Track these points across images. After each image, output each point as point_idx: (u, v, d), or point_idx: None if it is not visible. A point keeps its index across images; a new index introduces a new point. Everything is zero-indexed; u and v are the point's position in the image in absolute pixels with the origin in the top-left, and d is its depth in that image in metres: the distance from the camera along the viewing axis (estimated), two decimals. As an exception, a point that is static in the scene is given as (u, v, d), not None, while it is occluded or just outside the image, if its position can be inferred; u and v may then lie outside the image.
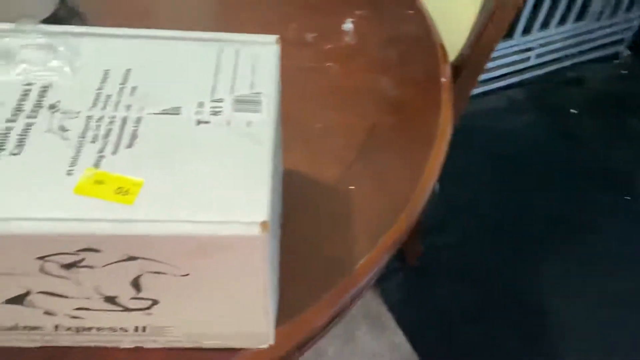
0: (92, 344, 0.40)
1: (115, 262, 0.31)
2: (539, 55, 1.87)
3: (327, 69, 0.63)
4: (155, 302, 0.35)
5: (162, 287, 0.33)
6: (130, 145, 0.33)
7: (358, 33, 0.68)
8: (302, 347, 0.44)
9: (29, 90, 0.36)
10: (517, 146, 1.64)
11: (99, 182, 0.31)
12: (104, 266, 0.31)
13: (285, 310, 0.42)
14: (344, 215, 0.50)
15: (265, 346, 0.41)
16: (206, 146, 0.34)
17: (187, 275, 0.32)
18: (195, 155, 0.33)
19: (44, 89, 0.36)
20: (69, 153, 0.32)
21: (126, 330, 0.38)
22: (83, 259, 0.31)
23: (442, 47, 0.68)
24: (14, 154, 0.32)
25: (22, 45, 0.38)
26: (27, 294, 0.33)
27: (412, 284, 1.27)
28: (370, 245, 0.48)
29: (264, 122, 0.35)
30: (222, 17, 0.73)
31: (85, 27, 0.40)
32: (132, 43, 0.40)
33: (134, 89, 0.36)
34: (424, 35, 0.69)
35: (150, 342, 0.39)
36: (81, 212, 0.30)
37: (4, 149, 0.32)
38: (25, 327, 0.37)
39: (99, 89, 0.36)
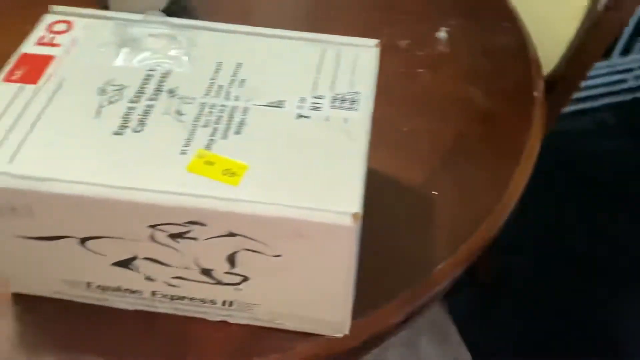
0: (182, 314, 0.43)
1: (217, 236, 0.34)
2: (637, 77, 1.78)
3: (417, 75, 0.64)
4: (245, 279, 0.37)
5: (254, 265, 0.36)
6: (238, 132, 0.36)
7: (452, 42, 0.69)
8: (373, 342, 0.46)
9: (151, 75, 0.40)
10: (606, 172, 1.56)
11: (209, 162, 0.34)
12: (205, 239, 0.34)
13: (361, 305, 0.43)
14: (424, 219, 0.51)
15: (339, 335, 0.42)
16: (305, 139, 0.36)
17: (278, 256, 0.34)
18: (295, 146, 0.35)
19: (164, 75, 0.39)
20: (183, 135, 0.36)
21: (215, 303, 0.41)
22: (189, 231, 0.34)
23: (537, 61, 0.67)
24: (136, 132, 0.36)
25: (148, 34, 0.42)
26: (134, 258, 0.37)
27: (481, 302, 1.25)
28: (449, 252, 0.49)
29: (360, 120, 0.37)
30: (317, 19, 0.76)
31: (203, 21, 0.44)
32: (243, 39, 0.43)
33: (243, 81, 0.39)
34: (519, 48, 0.69)
35: (234, 317, 0.42)
36: (192, 188, 0.33)
37: (127, 127, 0.36)
38: (126, 290, 0.41)
39: (213, 79, 0.39)
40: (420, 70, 0.65)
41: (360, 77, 0.40)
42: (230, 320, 0.43)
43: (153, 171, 0.34)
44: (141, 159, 0.34)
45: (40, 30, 0.42)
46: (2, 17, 0.70)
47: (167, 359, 0.42)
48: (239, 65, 0.40)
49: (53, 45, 0.41)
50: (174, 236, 0.34)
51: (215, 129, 0.36)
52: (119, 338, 0.43)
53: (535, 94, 0.63)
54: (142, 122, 0.36)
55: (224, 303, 0.40)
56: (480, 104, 0.62)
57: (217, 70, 0.40)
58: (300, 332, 0.43)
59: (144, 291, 0.41)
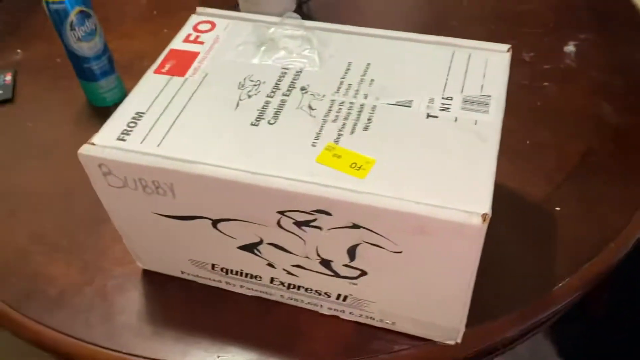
0: (295, 304, 0.44)
1: (341, 227, 0.35)
2: None
3: (542, 88, 0.62)
4: (363, 273, 0.38)
5: (374, 260, 0.36)
6: (366, 129, 0.37)
7: (580, 56, 0.66)
8: (483, 354, 0.44)
9: (286, 73, 0.42)
10: None
11: (337, 155, 0.35)
12: (329, 229, 0.35)
13: (475, 314, 0.42)
14: (546, 234, 0.49)
15: (451, 342, 0.42)
16: (434, 138, 0.36)
17: (399, 252, 0.35)
18: (424, 144, 0.35)
19: (298, 73, 0.41)
20: (314, 128, 0.37)
21: (329, 296, 0.41)
22: (315, 219, 0.35)
23: (677, 78, 0.62)
24: (270, 123, 0.38)
25: (284, 35, 0.44)
26: (260, 242, 0.39)
27: (591, 336, 1.16)
28: (570, 270, 0.46)
29: (492, 122, 0.37)
30: (440, 30, 0.76)
31: (335, 24, 0.45)
32: (373, 40, 0.44)
33: (372, 81, 0.40)
34: (656, 65, 0.64)
35: (346, 313, 0.43)
36: (321, 178, 0.34)
37: (263, 118, 0.38)
38: (247, 274, 0.43)
39: (342, 77, 0.41)
40: (546, 83, 0.63)
41: (491, 81, 0.39)
42: (341, 316, 0.43)
43: (285, 160, 0.35)
44: (274, 149, 0.36)
45: (187, 29, 0.46)
46: (148, 23, 0.77)
47: (278, 346, 0.43)
48: (368, 65, 0.41)
49: (198, 42, 0.45)
50: (299, 224, 0.36)
51: (344, 124, 0.37)
52: (234, 321, 0.45)
53: (674, 112, 0.59)
54: (276, 115, 0.38)
55: (338, 297, 0.41)
56: (611, 120, 0.59)
57: (347, 69, 0.41)
58: (410, 335, 0.43)
59: (264, 277, 0.42)
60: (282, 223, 0.36)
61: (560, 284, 0.45)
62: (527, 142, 0.56)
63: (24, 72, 0.70)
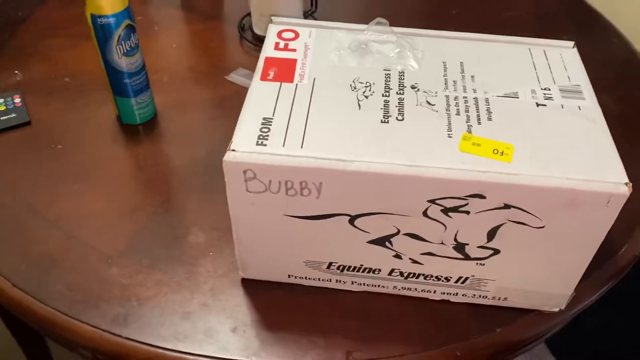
0: (406, 293, 0.46)
1: (491, 209, 0.38)
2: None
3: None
4: (495, 253, 0.41)
5: (513, 238, 0.39)
6: (490, 119, 0.40)
7: (568, 55, 0.74)
8: (571, 319, 0.49)
9: (389, 74, 0.44)
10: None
11: (476, 144, 0.38)
12: (477, 212, 0.38)
13: (561, 284, 0.46)
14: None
15: (556, 309, 0.46)
16: (552, 122, 0.40)
17: (542, 227, 0.38)
18: (547, 128, 0.40)
19: (401, 74, 0.44)
20: (442, 122, 0.40)
21: (448, 280, 0.44)
22: (466, 204, 0.37)
23: (654, 71, 0.73)
24: (399, 120, 0.40)
25: (372, 40, 0.46)
26: (395, 234, 0.41)
27: (576, 328, 1.25)
28: (626, 237, 0.52)
29: (593, 107, 0.42)
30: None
31: (414, 29, 0.48)
32: (454, 42, 0.47)
33: (472, 77, 0.44)
34: (633, 60, 0.74)
35: (458, 295, 0.46)
36: (472, 164, 0.37)
37: (390, 116, 0.40)
38: (365, 269, 0.44)
39: (445, 75, 0.44)
40: (548, 79, 0.71)
41: (574, 72, 0.45)
42: (452, 299, 0.46)
43: (429, 151, 0.38)
44: (414, 142, 0.38)
45: (273, 38, 0.47)
46: (152, 39, 0.74)
47: (397, 338, 0.45)
48: (462, 63, 0.45)
49: (290, 50, 0.46)
50: (447, 210, 0.38)
51: (468, 117, 0.40)
52: (345, 318, 0.46)
53: (662, 99, 0.69)
54: (401, 112, 0.41)
55: (458, 279, 0.44)
56: (612, 108, 0.67)
57: (445, 68, 0.45)
58: (517, 308, 0.46)
59: (384, 270, 0.44)
60: (429, 212, 0.38)
61: (622, 250, 0.51)
62: (554, 131, 0.62)
63: (30, 93, 0.65)
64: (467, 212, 0.38)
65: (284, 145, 0.38)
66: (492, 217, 0.38)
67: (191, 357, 0.43)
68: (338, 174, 0.37)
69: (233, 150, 0.38)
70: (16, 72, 0.68)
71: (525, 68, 0.45)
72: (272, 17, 0.49)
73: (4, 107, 0.62)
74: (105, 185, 0.55)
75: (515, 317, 0.46)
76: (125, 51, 0.55)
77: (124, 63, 0.56)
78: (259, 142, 0.38)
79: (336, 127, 0.39)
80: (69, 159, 0.58)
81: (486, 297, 0.45)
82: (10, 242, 0.50)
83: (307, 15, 0.78)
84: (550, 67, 0.45)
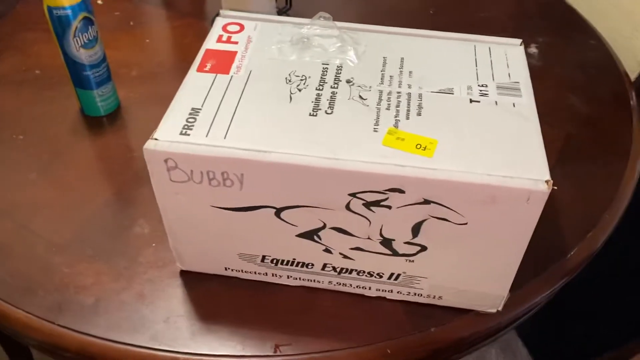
0: (342, 289, 0.46)
1: (411, 204, 0.37)
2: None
3: (518, 85, 0.68)
4: (422, 249, 0.40)
5: (437, 234, 0.39)
6: (419, 114, 0.40)
7: (543, 56, 0.73)
8: (516, 320, 0.48)
9: (327, 68, 0.44)
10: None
11: (400, 139, 0.38)
12: (399, 207, 0.38)
13: (505, 285, 0.46)
14: (550, 211, 0.54)
15: (493, 311, 0.45)
16: (482, 119, 0.40)
17: (464, 224, 0.38)
18: (476, 124, 0.39)
19: (339, 68, 0.44)
20: (371, 116, 0.40)
21: (381, 277, 0.44)
22: (386, 199, 0.37)
23: (627, 75, 0.71)
24: (328, 113, 0.40)
25: (315, 34, 0.46)
26: (322, 228, 0.40)
27: (545, 315, 1.25)
28: (578, 239, 0.52)
29: (528, 104, 0.41)
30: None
31: (361, 24, 0.48)
32: (399, 38, 0.47)
33: (410, 72, 0.44)
34: (607, 63, 0.73)
35: (393, 293, 0.45)
36: (392, 159, 0.37)
37: (319, 109, 0.40)
38: (298, 264, 0.44)
39: (382, 70, 0.44)
40: (519, 80, 0.70)
41: (515, 70, 0.44)
42: (388, 297, 0.46)
43: (352, 145, 0.38)
44: (339, 135, 0.38)
45: (217, 30, 0.47)
46: (127, 34, 0.75)
47: (329, 331, 0.44)
48: (402, 59, 0.45)
49: (232, 42, 0.46)
50: (369, 204, 0.38)
51: (397, 111, 0.40)
52: (282, 311, 0.46)
53: (632, 102, 0.67)
54: (331, 106, 0.40)
55: (390, 276, 0.43)
56: (581, 110, 0.66)
57: (384, 63, 0.44)
58: (453, 308, 0.46)
59: (316, 264, 0.44)
60: (351, 205, 0.38)
61: (571, 252, 0.50)
62: (516, 131, 0.62)
63: (1, 85, 0.67)
64: (389, 207, 0.38)
65: (207, 136, 0.38)
66: (414, 212, 0.38)
67: (121, 345, 0.43)
68: (257, 165, 0.37)
69: (155, 139, 0.38)
70: (-11, 64, 0.70)
71: (466, 64, 0.44)
72: (221, 11, 0.50)
73: (-28, 98, 0.64)
74: (61, 176, 0.56)
75: (451, 317, 0.45)
76: (83, 43, 0.56)
77: (82, 55, 0.56)
78: (183, 132, 0.38)
79: (263, 119, 0.39)
80: (29, 150, 0.59)
81: (421, 295, 0.45)
82: (-40, 229, 0.51)
83: (281, 13, 0.78)
84: (492, 64, 0.44)
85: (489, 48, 0.46)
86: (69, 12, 0.53)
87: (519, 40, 0.47)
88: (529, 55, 0.74)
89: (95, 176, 0.56)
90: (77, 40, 0.55)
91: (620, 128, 0.63)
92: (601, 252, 0.54)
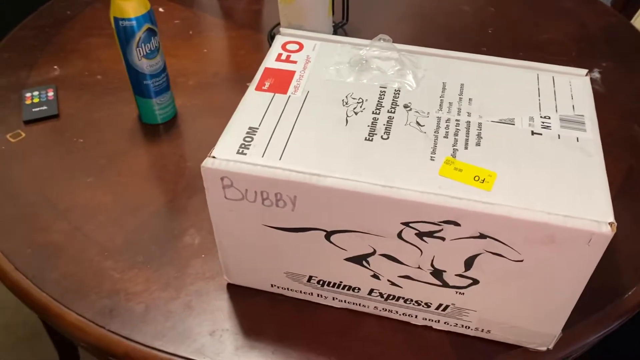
0: (387, 315, 0.46)
1: (466, 237, 0.36)
2: None
3: (578, 112, 0.66)
4: (474, 283, 0.39)
5: (491, 269, 0.38)
6: (478, 144, 0.39)
7: (606, 82, 0.71)
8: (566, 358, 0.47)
9: (384, 91, 0.43)
10: None
11: (458, 169, 0.37)
12: (453, 240, 0.37)
13: (556, 322, 0.44)
14: (609, 248, 0.52)
15: (543, 349, 0.44)
16: (544, 153, 0.38)
17: (520, 261, 0.37)
18: (537, 158, 0.38)
19: (397, 92, 0.43)
20: (428, 143, 0.39)
21: (429, 306, 0.43)
22: (440, 230, 0.37)
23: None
24: (384, 138, 0.40)
25: (374, 56, 0.46)
26: (372, 254, 0.40)
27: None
28: (636, 280, 0.49)
29: (592, 139, 0.39)
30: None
31: (421, 47, 0.48)
32: (460, 63, 0.46)
33: (470, 99, 0.43)
34: (675, 91, 0.70)
35: (440, 323, 0.44)
36: (449, 190, 0.36)
37: (375, 134, 0.40)
38: (345, 287, 0.44)
39: (441, 96, 0.43)
40: (579, 107, 0.67)
41: (580, 102, 0.43)
42: (435, 326, 0.45)
43: (408, 173, 0.37)
44: (394, 162, 0.38)
45: (276, 49, 0.48)
46: (186, 43, 0.77)
47: (371, 357, 0.44)
48: (462, 85, 0.44)
49: (291, 62, 0.46)
50: (422, 234, 0.37)
51: (455, 140, 0.39)
52: (326, 332, 0.45)
53: (700, 135, 0.64)
54: (387, 131, 0.40)
55: (438, 307, 0.43)
56: (643, 141, 0.63)
57: (443, 89, 0.44)
58: (502, 343, 0.44)
59: (363, 289, 0.43)
60: (403, 234, 0.38)
61: (629, 293, 0.48)
62: (575, 161, 0.60)
63: (64, 88, 0.69)
64: (443, 239, 0.37)
65: (263, 156, 0.38)
66: (468, 245, 0.37)
67: (165, 355, 0.44)
68: (311, 188, 0.37)
69: (213, 157, 0.38)
70: (55, 67, 0.72)
71: (528, 94, 0.43)
72: (280, 29, 0.50)
73: (38, 100, 0.66)
74: (116, 181, 0.58)
75: (499, 352, 0.44)
76: (145, 53, 0.57)
77: (144, 65, 0.58)
78: (240, 151, 0.39)
79: (319, 141, 0.39)
80: (87, 153, 0.61)
81: (469, 327, 0.44)
82: (20, 228, 0.53)
83: (338, 27, 0.79)
84: (555, 95, 0.43)
85: (553, 77, 0.45)
86: (134, 23, 0.55)
87: (585, 71, 0.46)
88: (592, 81, 0.72)
89: (149, 183, 0.58)
90: (139, 50, 0.56)
91: (687, 163, 0.60)
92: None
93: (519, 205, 0.35)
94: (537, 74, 0.45)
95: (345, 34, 0.78)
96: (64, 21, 0.81)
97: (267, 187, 0.38)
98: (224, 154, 0.38)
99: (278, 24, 0.77)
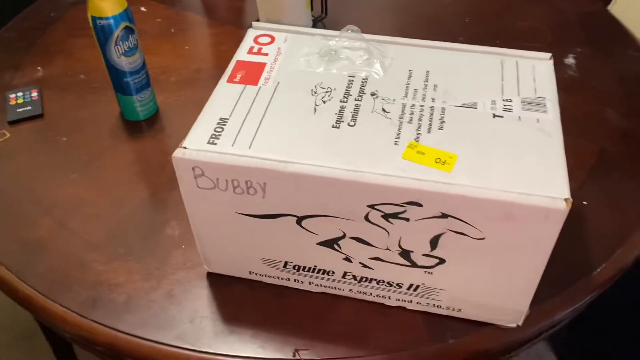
0: (362, 297, 0.47)
1: (429, 217, 0.38)
2: None
3: (552, 97, 0.67)
4: (441, 262, 0.41)
5: (455, 248, 0.39)
6: (440, 128, 0.40)
7: (580, 67, 0.72)
8: (537, 336, 0.48)
9: (352, 80, 0.45)
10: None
11: (421, 152, 0.39)
12: (417, 220, 0.38)
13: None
14: (579, 226, 0.53)
15: (513, 325, 0.45)
16: (504, 134, 0.40)
17: (482, 239, 0.38)
18: (497, 140, 0.39)
19: (364, 80, 0.45)
20: (392, 129, 0.40)
21: (400, 287, 0.44)
22: (404, 211, 0.38)
23: (669, 87, 0.69)
24: (351, 125, 0.41)
25: (343, 46, 0.47)
26: (342, 237, 0.41)
27: (578, 330, 1.22)
28: (606, 256, 0.51)
29: (552, 120, 0.41)
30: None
31: (390, 37, 0.49)
32: (426, 51, 0.48)
33: (435, 86, 0.44)
34: (649, 75, 0.71)
35: (413, 303, 0.46)
36: (411, 172, 0.37)
37: (342, 121, 0.41)
38: (320, 271, 0.45)
39: (407, 83, 0.44)
40: (554, 92, 0.69)
41: (542, 85, 0.44)
42: (408, 307, 0.46)
43: (373, 158, 0.38)
44: (360, 148, 0.39)
45: (248, 42, 0.49)
46: (167, 40, 0.78)
47: (349, 339, 0.45)
48: (428, 72, 0.45)
49: (262, 54, 0.47)
50: (387, 216, 0.39)
51: (419, 125, 0.41)
52: (304, 316, 0.47)
53: (673, 116, 0.65)
54: (354, 118, 0.41)
55: (410, 287, 0.44)
56: (617, 123, 0.64)
57: (409, 76, 0.45)
58: (473, 321, 0.46)
59: (337, 272, 0.45)
60: (370, 216, 0.39)
61: (598, 270, 0.50)
62: (548, 144, 0.61)
63: (48, 88, 0.70)
64: (407, 219, 0.38)
65: (233, 145, 0.39)
66: (432, 225, 0.38)
67: (147, 342, 0.45)
68: (279, 175, 0.38)
69: (184, 147, 0.40)
70: (39, 68, 0.73)
71: (492, 79, 0.44)
72: (253, 22, 0.51)
73: (22, 100, 0.67)
74: (99, 177, 0.59)
75: (470, 329, 0.45)
76: (124, 51, 0.58)
77: (123, 62, 0.59)
78: (210, 141, 0.40)
79: (287, 130, 0.41)
80: (71, 151, 0.62)
81: (440, 306, 0.45)
82: (6, 224, 0.54)
83: (317, 21, 0.80)
84: (518, 79, 0.44)
85: (517, 62, 0.46)
86: (112, 21, 0.56)
87: (548, 55, 0.47)
88: (566, 66, 0.73)
89: (132, 178, 0.59)
90: (118, 48, 0.58)
91: (658, 143, 0.62)
92: None
93: (477, 184, 0.36)
94: (502, 59, 0.46)
95: (325, 28, 0.80)
96: (48, 22, 0.83)
97: (237, 175, 0.39)
98: (195, 144, 0.40)
99: (258, 20, 0.79)
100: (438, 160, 0.38)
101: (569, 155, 0.61)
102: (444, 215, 0.37)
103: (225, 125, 0.41)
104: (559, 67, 0.72)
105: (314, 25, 0.79)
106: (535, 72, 0.45)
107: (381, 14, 0.83)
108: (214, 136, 0.40)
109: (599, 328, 1.26)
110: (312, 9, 0.78)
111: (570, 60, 0.73)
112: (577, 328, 1.21)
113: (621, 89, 0.69)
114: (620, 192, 0.56)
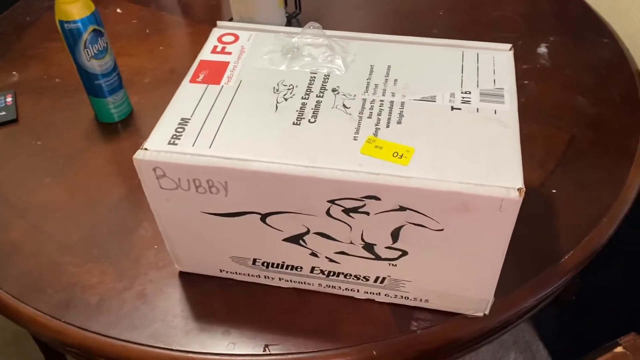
0: (332, 291, 0.47)
1: (387, 210, 0.38)
2: None
3: (524, 87, 0.68)
4: (403, 254, 0.41)
5: (416, 239, 0.40)
6: (399, 122, 0.41)
7: (552, 56, 0.73)
8: (506, 326, 0.49)
9: (314, 77, 0.45)
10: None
11: (379, 147, 0.39)
12: (376, 213, 0.39)
13: (497, 289, 0.46)
14: (548, 214, 0.54)
15: (480, 314, 0.46)
16: (461, 126, 0.40)
17: (441, 230, 0.38)
18: (454, 132, 0.40)
19: (326, 77, 0.45)
20: (352, 124, 0.41)
21: (367, 279, 0.45)
22: (363, 205, 0.38)
23: (639, 74, 0.70)
24: (311, 122, 0.41)
25: (306, 43, 0.48)
26: (306, 233, 0.42)
27: (566, 319, 1.23)
28: (574, 243, 0.51)
29: (509, 111, 0.41)
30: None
31: (352, 32, 0.49)
32: (388, 46, 0.48)
33: (395, 80, 0.44)
34: (619, 62, 0.71)
35: (381, 295, 0.46)
36: (368, 167, 0.38)
37: (303, 118, 0.42)
38: (288, 266, 0.46)
39: (368, 79, 0.45)
40: (526, 82, 0.69)
41: (501, 76, 0.44)
42: (376, 299, 0.47)
43: (332, 153, 0.39)
44: (319, 144, 0.39)
45: (212, 41, 0.49)
46: (142, 41, 0.78)
47: (320, 332, 0.46)
48: (389, 67, 0.46)
49: (225, 53, 0.48)
50: (348, 211, 0.39)
51: (378, 119, 0.41)
52: (275, 312, 0.47)
53: (642, 103, 0.66)
54: (315, 115, 0.42)
55: (376, 279, 0.44)
56: (587, 111, 0.65)
57: (371, 71, 0.45)
58: (441, 311, 0.46)
59: (305, 267, 0.45)
60: (331, 211, 0.40)
61: (565, 257, 0.50)
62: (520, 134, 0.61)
63: (23, 93, 0.71)
64: (367, 213, 0.39)
65: (193, 145, 0.40)
66: (391, 218, 0.39)
67: (119, 342, 0.45)
68: (239, 173, 0.39)
69: (145, 149, 0.40)
70: (14, 73, 0.74)
71: (451, 71, 0.45)
72: (218, 22, 0.52)
73: (-4, 106, 0.68)
74: (73, 180, 0.59)
75: (438, 320, 0.46)
76: (93, 54, 0.58)
77: (94, 65, 0.59)
78: (171, 142, 0.40)
79: (248, 128, 0.41)
80: (46, 155, 0.62)
81: (407, 297, 0.46)
82: (-20, 230, 0.55)
83: (292, 17, 0.80)
84: (478, 71, 0.45)
85: (477, 54, 0.46)
86: (79, 25, 0.56)
87: (508, 45, 0.47)
88: (539, 55, 0.73)
89: (106, 180, 0.59)
90: (87, 51, 0.58)
91: (627, 131, 0.62)
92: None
93: (432, 177, 0.37)
94: (463, 52, 0.47)
95: (299, 25, 0.80)
96: (23, 27, 0.83)
97: (199, 174, 0.39)
98: (156, 145, 0.40)
99: (231, 19, 0.79)
100: (395, 154, 0.38)
101: (540, 143, 0.62)
102: (402, 208, 0.38)
103: (186, 125, 0.41)
104: (532, 57, 0.73)
105: (288, 22, 0.79)
106: (495, 63, 0.46)
107: (356, 10, 0.83)
108: (175, 137, 0.40)
109: (585, 315, 1.26)
110: (286, 6, 0.78)
111: (542, 49, 0.74)
112: (564, 316, 1.22)
113: (593, 77, 0.69)
114: (589, 179, 0.57)
